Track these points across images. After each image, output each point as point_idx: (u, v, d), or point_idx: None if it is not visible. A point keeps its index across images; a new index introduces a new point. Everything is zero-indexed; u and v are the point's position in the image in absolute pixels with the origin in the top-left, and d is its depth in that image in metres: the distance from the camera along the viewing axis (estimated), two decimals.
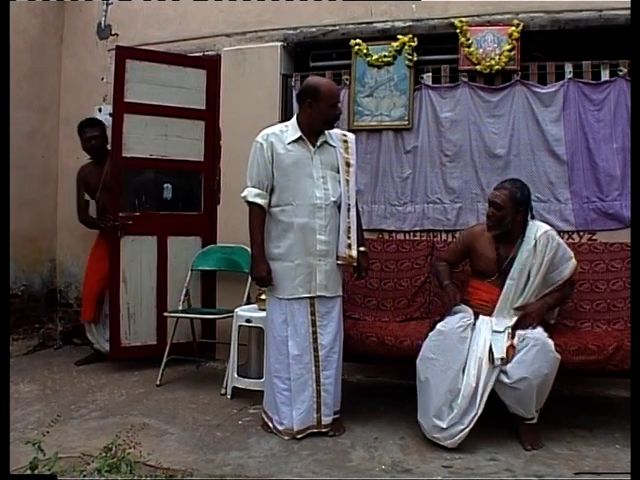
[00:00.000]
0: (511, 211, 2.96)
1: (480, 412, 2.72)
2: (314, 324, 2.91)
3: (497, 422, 2.83)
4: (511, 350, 2.73)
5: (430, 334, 2.87)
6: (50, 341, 4.69)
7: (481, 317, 2.93)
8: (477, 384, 2.72)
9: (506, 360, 2.72)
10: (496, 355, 2.73)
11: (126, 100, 4.07)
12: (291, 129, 2.95)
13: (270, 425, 2.98)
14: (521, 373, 2.68)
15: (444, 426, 2.72)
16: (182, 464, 2.56)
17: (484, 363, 2.74)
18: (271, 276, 2.92)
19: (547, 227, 3.03)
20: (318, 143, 2.94)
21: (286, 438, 2.87)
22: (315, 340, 2.91)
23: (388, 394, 3.58)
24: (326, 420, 2.92)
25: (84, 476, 2.04)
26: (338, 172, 2.96)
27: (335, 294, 2.95)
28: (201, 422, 3.12)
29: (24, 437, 2.65)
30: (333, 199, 2.92)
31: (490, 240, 3.06)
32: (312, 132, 2.94)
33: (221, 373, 3.79)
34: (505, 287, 2.94)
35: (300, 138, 2.93)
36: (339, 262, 2.94)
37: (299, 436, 2.87)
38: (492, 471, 2.55)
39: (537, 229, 2.98)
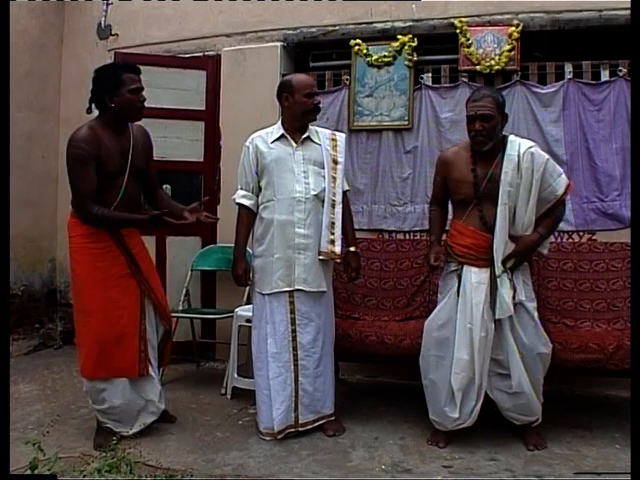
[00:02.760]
0: (500, 119, 2.72)
1: (484, 384, 2.72)
2: (293, 322, 2.91)
3: (497, 422, 2.83)
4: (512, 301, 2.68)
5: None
6: (50, 341, 4.68)
7: (465, 270, 2.77)
8: (472, 355, 2.68)
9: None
10: (499, 314, 2.67)
11: None
12: (276, 129, 3.03)
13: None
14: (522, 383, 2.69)
15: (457, 415, 2.72)
16: (182, 464, 2.56)
17: (475, 330, 2.68)
18: (248, 275, 3.00)
19: (531, 143, 2.80)
20: (300, 139, 2.98)
21: (267, 439, 2.87)
22: (294, 339, 2.91)
23: (388, 394, 3.58)
24: (304, 419, 2.92)
25: (84, 476, 2.04)
26: (323, 168, 2.97)
27: (316, 289, 2.93)
28: (201, 422, 3.12)
29: (24, 437, 2.65)
30: (314, 193, 2.93)
31: (466, 161, 2.80)
32: (295, 129, 2.99)
33: (221, 373, 3.79)
34: (498, 214, 2.70)
35: (282, 136, 2.99)
36: (321, 257, 2.93)
37: (279, 437, 2.86)
38: (492, 471, 2.55)
39: (520, 145, 2.74)
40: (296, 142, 2.98)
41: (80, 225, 2.77)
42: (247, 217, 3.00)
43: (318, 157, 2.99)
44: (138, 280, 2.86)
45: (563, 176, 2.79)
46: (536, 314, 2.77)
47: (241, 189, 3.01)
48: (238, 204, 3.00)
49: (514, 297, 2.69)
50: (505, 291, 2.69)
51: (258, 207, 3.00)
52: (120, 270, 2.81)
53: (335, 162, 3.00)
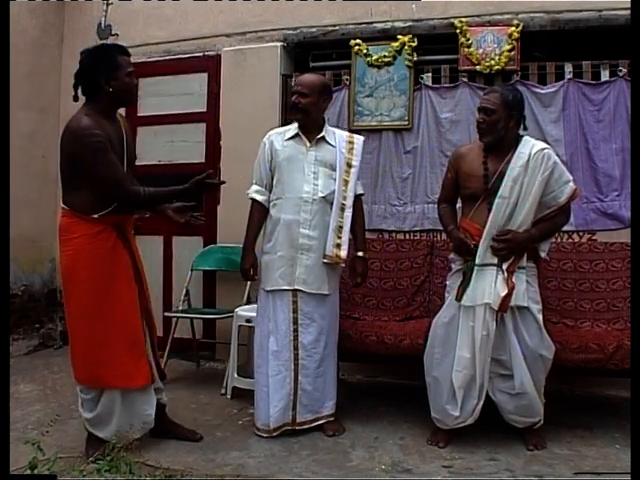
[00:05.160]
0: (503, 115, 2.72)
1: (486, 383, 2.71)
2: (295, 322, 2.91)
3: (497, 422, 2.83)
4: (508, 300, 2.65)
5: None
6: (50, 341, 4.68)
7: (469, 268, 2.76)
8: (474, 354, 2.69)
9: (504, 309, 2.66)
10: (486, 300, 2.67)
11: (139, 114, 4.21)
12: (293, 127, 3.02)
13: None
14: (524, 383, 2.68)
15: (457, 413, 2.73)
16: (182, 464, 2.55)
17: (477, 328, 2.68)
18: (255, 270, 3.00)
19: (545, 145, 2.80)
20: (315, 139, 2.98)
21: (264, 435, 2.88)
22: (296, 338, 2.91)
23: (388, 394, 3.58)
24: (301, 418, 2.92)
25: (84, 476, 2.04)
26: (334, 170, 2.96)
27: (317, 291, 2.92)
28: (201, 422, 3.12)
29: (24, 437, 2.64)
30: (322, 195, 2.92)
31: (478, 155, 2.82)
32: (310, 128, 2.98)
33: (221, 373, 3.80)
34: (494, 207, 2.71)
35: (297, 135, 2.98)
36: (325, 260, 2.92)
37: (275, 434, 2.86)
38: (492, 471, 2.55)
39: (533, 145, 2.74)
40: (310, 142, 2.97)
41: (83, 224, 2.57)
42: (259, 212, 3.00)
43: (330, 159, 2.97)
44: (139, 283, 2.71)
45: (570, 184, 2.76)
46: (540, 317, 2.76)
47: (255, 184, 3.02)
48: (251, 199, 3.00)
49: (507, 297, 2.65)
50: (499, 286, 2.68)
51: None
52: (127, 272, 2.64)
53: (349, 165, 2.98)
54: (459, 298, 2.74)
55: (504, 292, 2.66)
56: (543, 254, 2.84)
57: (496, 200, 2.71)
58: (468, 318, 2.72)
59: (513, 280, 2.69)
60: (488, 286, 2.70)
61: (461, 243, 2.80)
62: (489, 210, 2.74)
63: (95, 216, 2.55)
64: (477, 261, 2.73)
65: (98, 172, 2.50)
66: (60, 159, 2.62)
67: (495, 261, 2.72)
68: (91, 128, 2.47)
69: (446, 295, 2.93)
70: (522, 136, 2.81)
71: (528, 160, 2.70)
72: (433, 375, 2.81)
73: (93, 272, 2.56)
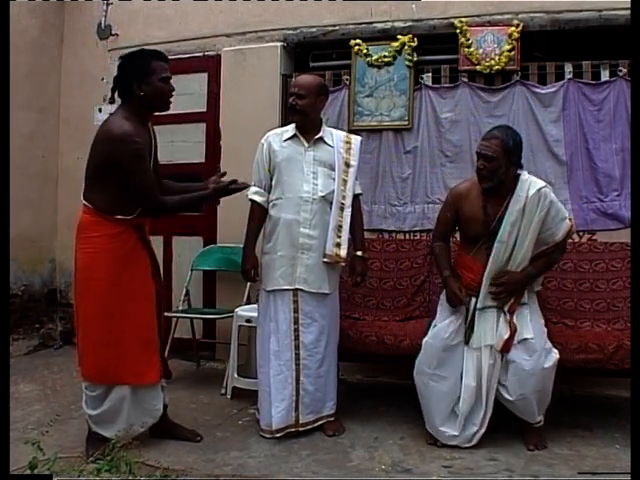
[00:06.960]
0: (504, 162, 2.71)
1: (490, 410, 2.72)
2: (296, 321, 2.92)
3: (497, 422, 2.82)
4: (510, 342, 2.68)
5: (422, 346, 2.82)
6: (50, 341, 4.68)
7: (473, 302, 2.78)
8: (480, 382, 2.70)
9: (507, 350, 2.68)
10: (489, 342, 2.70)
11: None
12: (291, 128, 3.03)
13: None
14: (521, 391, 2.68)
15: (456, 433, 2.73)
16: (182, 464, 2.55)
17: (484, 358, 2.71)
18: (256, 270, 3.00)
19: (541, 184, 2.78)
20: (313, 140, 2.98)
21: (267, 436, 2.88)
22: (297, 338, 2.91)
23: (388, 394, 3.58)
24: (304, 419, 2.92)
25: (83, 476, 2.04)
26: (333, 170, 2.97)
27: (317, 290, 2.92)
28: (201, 422, 3.12)
29: (24, 437, 2.63)
30: (321, 194, 2.93)
31: (477, 197, 2.82)
32: (308, 129, 2.99)
33: (221, 373, 3.80)
34: (494, 250, 2.73)
35: (295, 135, 2.99)
36: (325, 259, 2.92)
37: (278, 435, 2.86)
38: (492, 471, 2.55)
39: (529, 186, 2.74)
40: (308, 142, 2.98)
41: (105, 224, 2.57)
42: (258, 213, 3.00)
43: (329, 159, 2.98)
44: (156, 281, 2.76)
45: (566, 221, 2.81)
46: (549, 344, 2.74)
47: (254, 185, 3.01)
48: (250, 200, 3.01)
49: (509, 339, 2.68)
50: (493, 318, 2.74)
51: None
52: (145, 271, 2.69)
53: (347, 165, 2.99)
54: (467, 341, 2.75)
55: (506, 335, 2.69)
56: (538, 288, 2.91)
57: (495, 244, 2.73)
58: (474, 347, 2.75)
59: (514, 322, 2.71)
60: (490, 329, 2.74)
61: (455, 297, 2.81)
62: (488, 252, 2.76)
63: (119, 217, 2.58)
64: (478, 305, 2.76)
65: (134, 179, 2.54)
66: (91, 158, 2.63)
67: (496, 303, 2.76)
68: (132, 135, 2.52)
69: (439, 308, 2.94)
70: (519, 175, 2.80)
71: (525, 203, 2.72)
72: (426, 396, 2.80)
73: (112, 271, 2.57)
